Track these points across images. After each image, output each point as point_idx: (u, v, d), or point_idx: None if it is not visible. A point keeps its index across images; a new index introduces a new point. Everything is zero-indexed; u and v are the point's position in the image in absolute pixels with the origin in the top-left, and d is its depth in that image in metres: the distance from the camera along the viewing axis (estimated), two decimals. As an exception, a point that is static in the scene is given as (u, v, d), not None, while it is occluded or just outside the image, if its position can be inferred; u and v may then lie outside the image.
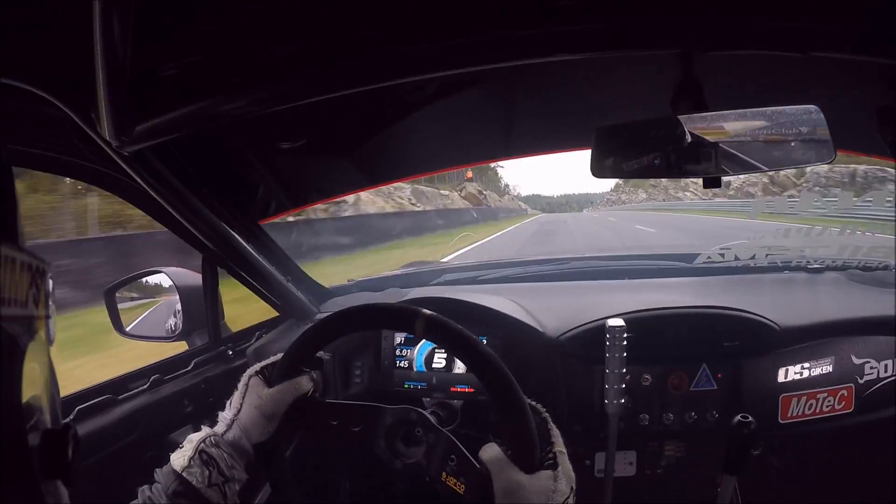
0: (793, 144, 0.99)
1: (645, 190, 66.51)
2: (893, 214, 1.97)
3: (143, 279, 1.80)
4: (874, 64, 0.97)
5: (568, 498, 0.84)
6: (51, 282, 0.42)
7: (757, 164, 0.98)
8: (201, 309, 1.69)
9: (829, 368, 1.58)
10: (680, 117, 0.99)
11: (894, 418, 1.59)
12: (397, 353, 1.67)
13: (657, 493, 1.73)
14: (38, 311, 0.39)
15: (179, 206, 1.28)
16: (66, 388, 1.34)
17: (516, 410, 0.90)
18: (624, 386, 1.46)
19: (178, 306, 1.70)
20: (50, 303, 0.42)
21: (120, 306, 1.75)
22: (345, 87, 0.93)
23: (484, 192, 43.24)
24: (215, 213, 1.39)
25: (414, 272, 2.49)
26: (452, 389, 1.61)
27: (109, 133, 0.89)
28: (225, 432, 0.96)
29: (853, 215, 2.46)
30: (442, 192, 32.70)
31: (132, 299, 1.85)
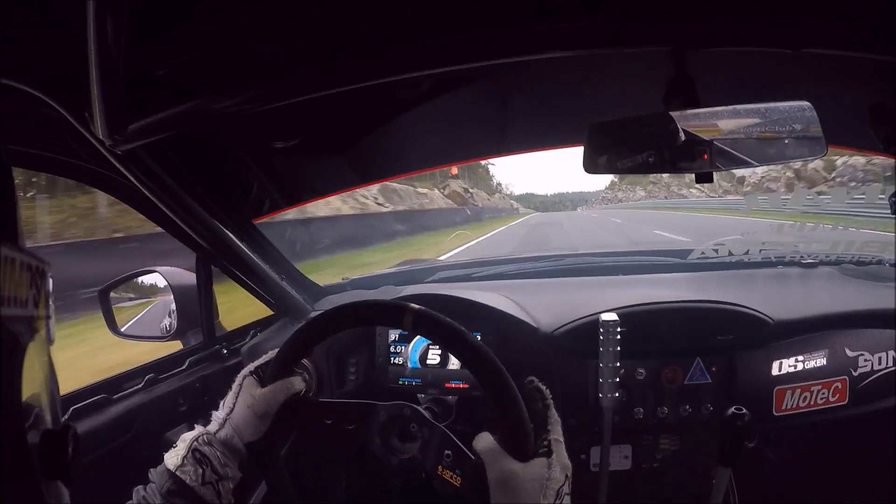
0: (784, 140, 1.00)
1: (644, 187, 64.37)
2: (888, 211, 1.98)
3: (138, 279, 1.79)
4: (866, 60, 0.98)
5: (563, 486, 0.83)
6: (51, 282, 0.42)
7: (749, 159, 0.99)
8: (196, 308, 1.69)
9: (823, 361, 1.60)
10: (672, 114, 0.99)
11: (889, 410, 1.61)
12: (392, 349, 1.68)
13: (653, 486, 1.75)
14: (39, 312, 0.40)
15: (173, 205, 1.29)
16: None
17: (507, 399, 0.89)
18: (618, 380, 1.47)
19: (173, 306, 1.70)
20: (50, 303, 0.42)
21: (115, 306, 1.74)
22: (338, 85, 0.94)
23: (470, 191, 40.14)
24: (209, 211, 1.39)
25: (408, 270, 2.50)
26: (447, 385, 1.62)
27: (103, 132, 0.89)
28: (217, 431, 0.97)
29: (846, 212, 2.47)
30: (419, 189, 29.36)
31: (126, 299, 1.85)
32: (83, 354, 3.96)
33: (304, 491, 1.07)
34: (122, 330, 1.76)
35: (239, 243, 1.55)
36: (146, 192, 1.20)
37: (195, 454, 0.92)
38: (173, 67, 0.90)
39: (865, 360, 1.62)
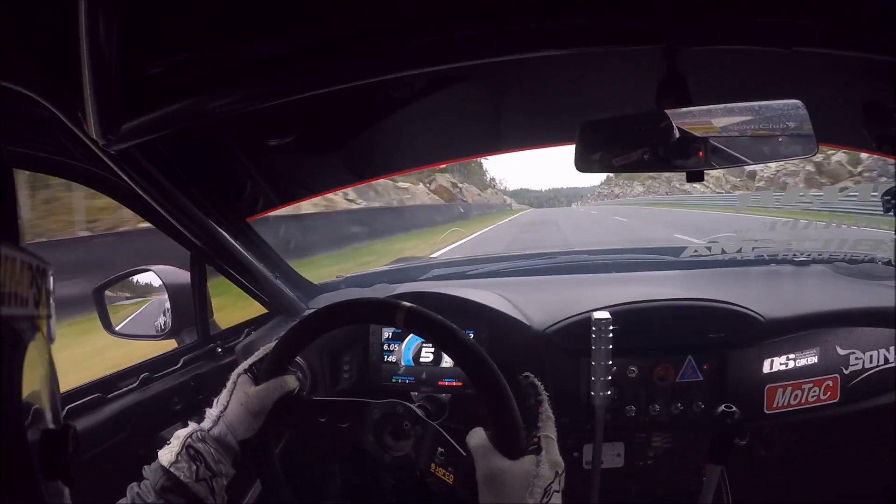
0: (776, 139, 1.00)
1: (641, 182, 62.27)
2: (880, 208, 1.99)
3: (132, 277, 1.80)
4: (859, 59, 0.99)
5: (552, 483, 0.83)
6: (52, 281, 0.43)
7: (741, 157, 0.99)
8: (190, 306, 1.70)
9: (815, 359, 1.61)
10: (664, 112, 1.00)
11: (880, 408, 1.62)
12: (385, 348, 1.69)
13: (645, 484, 1.76)
14: (39, 311, 0.40)
15: (167, 204, 1.30)
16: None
17: (497, 396, 0.89)
18: (610, 378, 1.48)
19: (167, 304, 1.71)
20: (51, 302, 0.42)
21: (109, 305, 1.74)
22: (332, 84, 0.94)
23: (459, 185, 37.82)
24: (203, 210, 1.40)
25: (402, 268, 2.51)
26: (440, 383, 1.63)
27: (96, 132, 0.90)
28: (211, 428, 0.97)
29: (839, 209, 2.48)
30: (399, 184, 26.42)
31: (121, 298, 1.85)
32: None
33: (298, 489, 1.07)
34: (117, 329, 1.76)
35: (233, 242, 1.56)
36: (140, 191, 1.20)
37: (189, 451, 0.92)
38: (166, 67, 0.90)
39: (857, 359, 1.62)
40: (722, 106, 0.99)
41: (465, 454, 0.92)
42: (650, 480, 1.75)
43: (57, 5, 0.75)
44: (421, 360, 1.66)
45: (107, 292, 1.74)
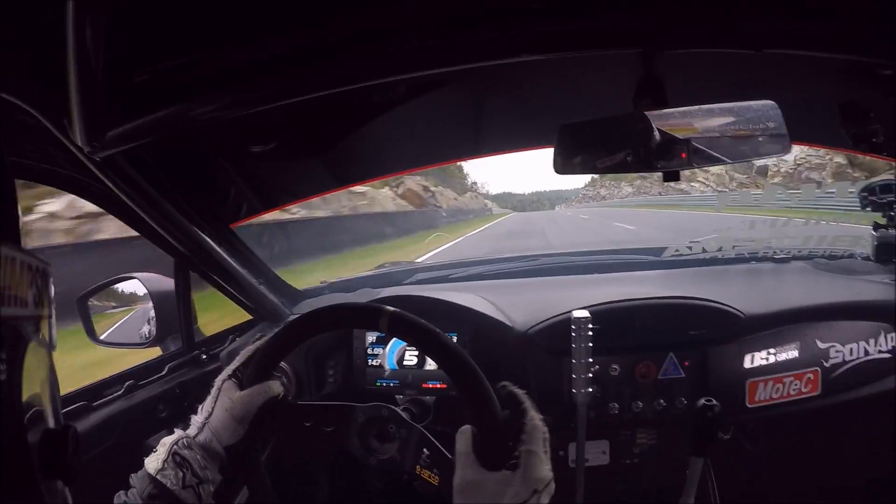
0: (752, 138, 1.03)
1: (630, 183, 58.41)
2: (857, 205, 2.05)
3: (116, 285, 1.79)
4: (833, 60, 1.02)
5: (529, 500, 0.80)
6: (52, 282, 0.43)
7: (718, 156, 1.02)
8: (175, 314, 1.70)
9: (795, 353, 1.65)
10: (642, 113, 1.02)
11: (861, 400, 1.66)
12: (369, 352, 1.71)
13: (632, 480, 1.78)
14: (39, 311, 0.40)
15: (151, 211, 1.31)
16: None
17: (479, 399, 0.89)
18: (591, 375, 1.51)
19: (152, 312, 1.71)
20: (51, 303, 0.43)
21: (93, 314, 1.74)
22: (314, 90, 0.96)
23: (432, 189, 32.91)
24: (187, 217, 1.42)
25: (386, 272, 2.54)
26: (424, 386, 1.65)
27: (81, 139, 0.90)
28: (197, 435, 0.98)
29: (817, 206, 2.54)
30: (355, 189, 18.99)
31: (105, 307, 1.85)
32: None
33: (285, 494, 1.08)
34: (101, 337, 1.76)
35: (217, 248, 1.57)
36: (124, 198, 1.21)
37: (175, 458, 0.93)
38: (151, 74, 0.91)
39: (837, 352, 1.66)
40: (697, 107, 1.02)
41: (450, 456, 0.93)
42: (636, 477, 1.78)
43: (43, 13, 0.76)
44: (405, 363, 1.68)
45: (91, 301, 1.74)
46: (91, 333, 1.73)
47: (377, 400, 1.12)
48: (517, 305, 1.75)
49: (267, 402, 1.02)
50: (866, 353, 1.68)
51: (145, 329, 1.76)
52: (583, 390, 1.50)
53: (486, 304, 1.75)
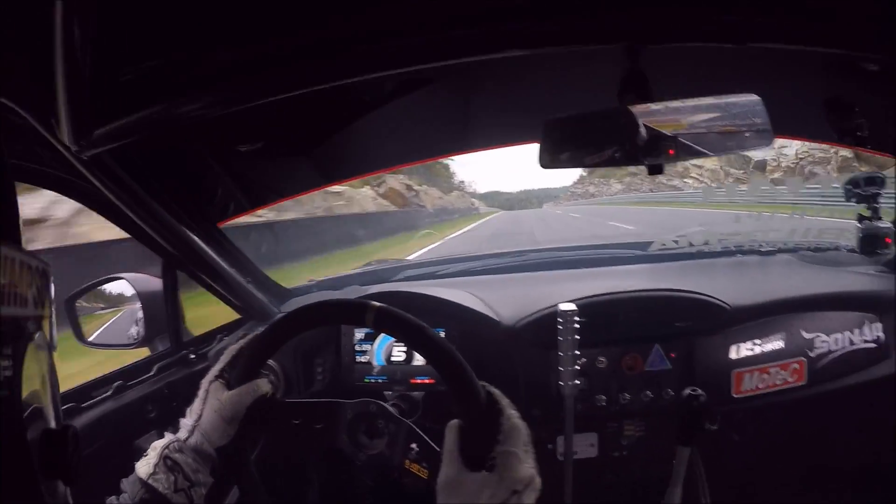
0: (735, 131, 1.05)
1: (619, 180, 56.94)
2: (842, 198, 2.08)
3: (104, 286, 1.79)
4: (816, 55, 1.04)
5: (508, 500, 0.79)
6: (52, 282, 0.43)
7: (702, 150, 1.04)
8: (163, 314, 1.70)
9: (781, 344, 1.68)
10: (626, 108, 1.04)
11: (847, 389, 1.70)
12: (357, 348, 1.73)
13: (620, 472, 1.82)
14: (39, 311, 0.41)
15: (139, 210, 1.32)
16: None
17: (466, 394, 0.90)
18: (578, 368, 1.53)
19: (140, 313, 1.71)
20: (51, 303, 0.43)
21: (81, 315, 1.74)
22: (299, 88, 0.97)
23: (416, 188, 32.21)
24: (175, 216, 1.42)
25: (373, 270, 2.54)
26: (413, 381, 1.67)
27: (69, 138, 0.91)
28: (187, 438, 0.98)
29: (803, 201, 2.57)
30: (331, 189, 17.29)
31: (93, 308, 1.84)
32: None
33: (275, 493, 1.09)
34: (90, 339, 1.76)
35: (205, 247, 1.58)
36: (112, 197, 1.22)
37: (166, 462, 0.94)
38: (138, 72, 0.92)
39: (822, 342, 1.70)
40: (681, 102, 1.04)
41: (438, 450, 0.94)
42: (625, 469, 1.81)
43: (31, 12, 0.77)
44: (393, 359, 1.70)
45: (78, 302, 1.73)
46: (79, 335, 1.73)
47: (366, 396, 1.13)
48: (504, 300, 1.77)
49: (256, 402, 1.03)
50: (851, 342, 1.72)
51: (133, 330, 1.75)
52: (570, 383, 1.52)
53: (474, 299, 1.77)
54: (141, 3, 0.83)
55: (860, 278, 1.92)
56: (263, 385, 1.05)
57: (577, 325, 1.51)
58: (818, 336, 1.70)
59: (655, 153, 1.02)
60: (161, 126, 0.97)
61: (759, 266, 2.14)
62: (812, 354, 1.69)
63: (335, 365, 1.74)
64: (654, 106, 1.02)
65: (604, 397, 1.66)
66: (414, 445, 1.05)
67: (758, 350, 1.67)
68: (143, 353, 1.74)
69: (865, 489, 1.87)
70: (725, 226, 2.24)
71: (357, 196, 22.79)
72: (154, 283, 1.71)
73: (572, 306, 1.52)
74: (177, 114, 0.95)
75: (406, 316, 0.97)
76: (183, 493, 0.92)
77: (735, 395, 1.66)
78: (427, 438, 1.03)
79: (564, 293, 1.68)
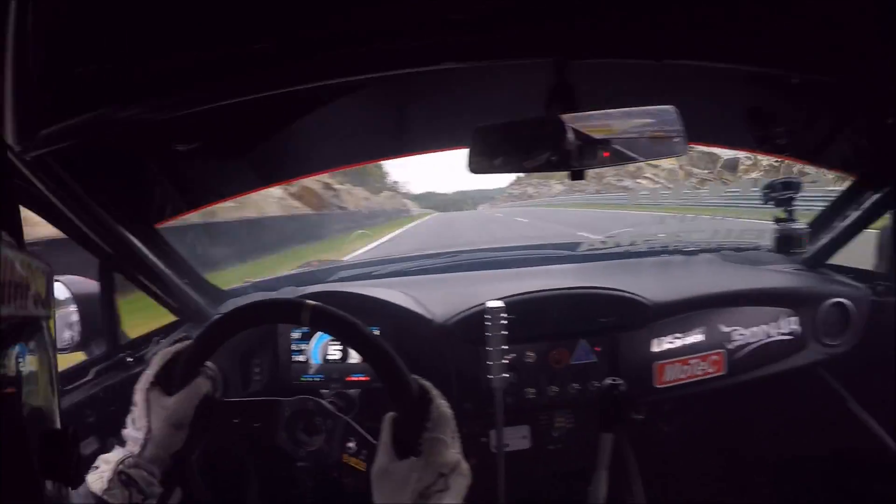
0: (654, 139, 1.14)
1: (561, 181, 53.79)
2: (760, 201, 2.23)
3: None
4: (738, 69, 1.15)
5: (431, 486, 0.84)
6: (53, 283, 0.44)
7: (620, 158, 1.13)
8: (99, 317, 1.68)
9: (701, 337, 1.82)
10: (554, 117, 1.12)
11: (764, 378, 1.85)
12: (293, 347, 1.77)
13: (553, 463, 1.92)
14: (39, 311, 0.42)
15: (79, 211, 1.31)
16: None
17: (398, 387, 0.94)
18: (507, 362, 1.60)
19: (75, 317, 1.68)
20: (53, 304, 0.44)
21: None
22: (239, 95, 1.02)
23: (337, 187, 28.16)
24: (113, 217, 1.43)
25: (309, 271, 2.60)
26: (349, 379, 1.72)
27: (12, 138, 0.92)
28: (141, 452, 0.98)
29: (726, 204, 2.73)
30: None
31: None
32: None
33: (217, 492, 1.11)
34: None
35: (143, 249, 1.58)
36: (53, 198, 1.22)
37: (121, 477, 0.94)
38: (85, 75, 0.94)
39: (740, 335, 1.84)
40: (604, 112, 1.13)
41: (375, 442, 0.97)
42: (558, 459, 1.91)
43: None
44: (329, 357, 1.75)
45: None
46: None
47: (303, 395, 1.18)
48: (436, 299, 1.85)
49: (201, 402, 1.04)
50: (768, 335, 1.87)
51: (67, 334, 1.72)
52: (498, 376, 1.59)
53: (407, 298, 1.84)
54: (90, 8, 0.85)
55: (778, 276, 2.07)
56: (204, 385, 1.07)
57: (504, 322, 1.58)
58: (736, 329, 1.84)
59: (580, 160, 1.10)
60: (107, 128, 1.00)
61: (682, 265, 2.27)
62: (730, 346, 1.83)
63: (272, 364, 1.78)
64: (579, 115, 1.11)
65: (533, 390, 1.75)
66: (351, 439, 1.10)
67: (679, 343, 1.80)
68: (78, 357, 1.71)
69: (783, 476, 2.03)
70: (653, 227, 2.37)
71: (254, 196, 15.75)
72: (90, 285, 1.69)
73: (500, 303, 1.59)
74: (124, 116, 0.98)
75: (341, 314, 1.00)
76: None
77: (657, 386, 1.77)
78: (363, 432, 1.08)
79: (494, 292, 1.75)
